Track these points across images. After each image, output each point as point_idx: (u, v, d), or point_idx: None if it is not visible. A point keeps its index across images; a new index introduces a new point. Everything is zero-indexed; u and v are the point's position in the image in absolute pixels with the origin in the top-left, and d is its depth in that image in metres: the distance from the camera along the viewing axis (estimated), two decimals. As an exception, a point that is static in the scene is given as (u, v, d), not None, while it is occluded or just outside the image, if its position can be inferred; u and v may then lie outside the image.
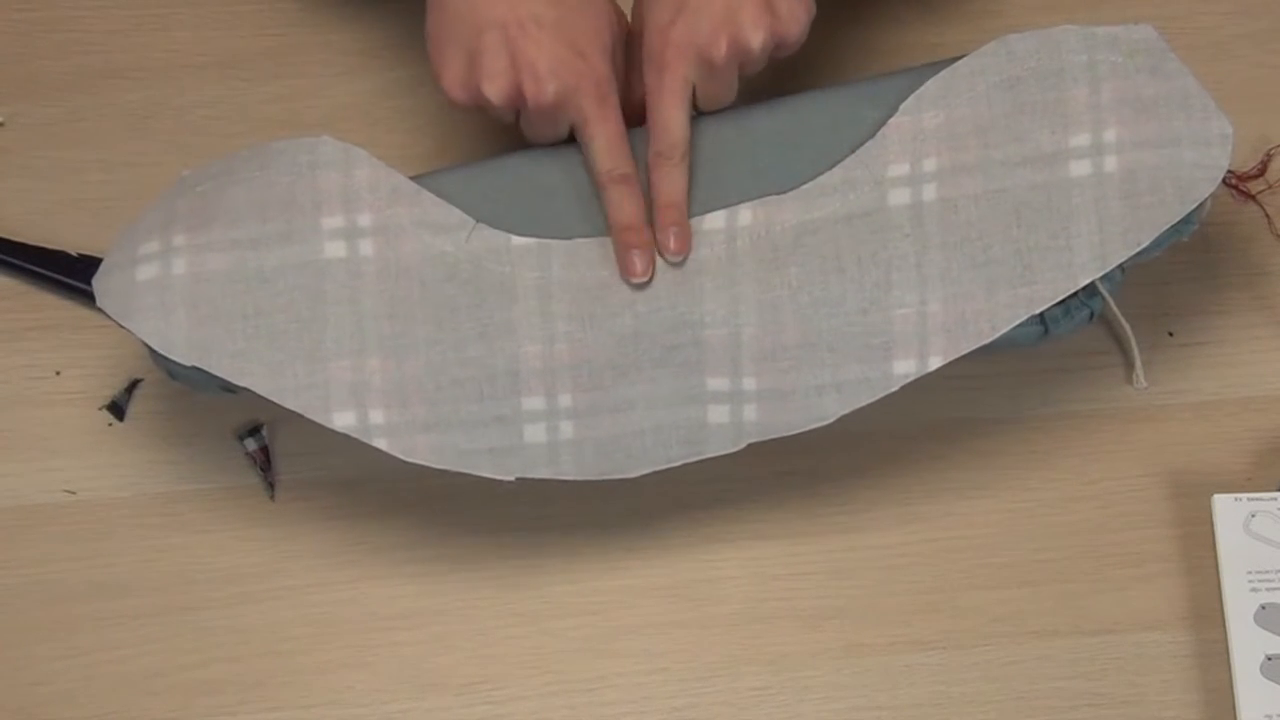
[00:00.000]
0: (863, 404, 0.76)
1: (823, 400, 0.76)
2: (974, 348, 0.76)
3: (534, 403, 0.76)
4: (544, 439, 0.76)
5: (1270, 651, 0.80)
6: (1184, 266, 0.89)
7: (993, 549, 0.84)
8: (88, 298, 0.87)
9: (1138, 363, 0.85)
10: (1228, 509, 0.83)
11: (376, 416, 0.75)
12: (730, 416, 0.77)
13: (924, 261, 0.76)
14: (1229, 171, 0.90)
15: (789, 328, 0.76)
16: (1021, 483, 0.85)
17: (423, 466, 0.76)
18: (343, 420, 0.75)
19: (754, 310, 0.76)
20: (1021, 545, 0.84)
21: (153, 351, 0.76)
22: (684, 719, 0.81)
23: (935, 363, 0.76)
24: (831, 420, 0.76)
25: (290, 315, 0.75)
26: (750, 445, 0.77)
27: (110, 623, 0.82)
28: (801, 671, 0.82)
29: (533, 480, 0.83)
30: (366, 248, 0.76)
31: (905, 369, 0.76)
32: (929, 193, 0.77)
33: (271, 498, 0.84)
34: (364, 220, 0.76)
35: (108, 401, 0.86)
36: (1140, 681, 0.81)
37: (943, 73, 0.78)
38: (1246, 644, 0.80)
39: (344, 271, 0.76)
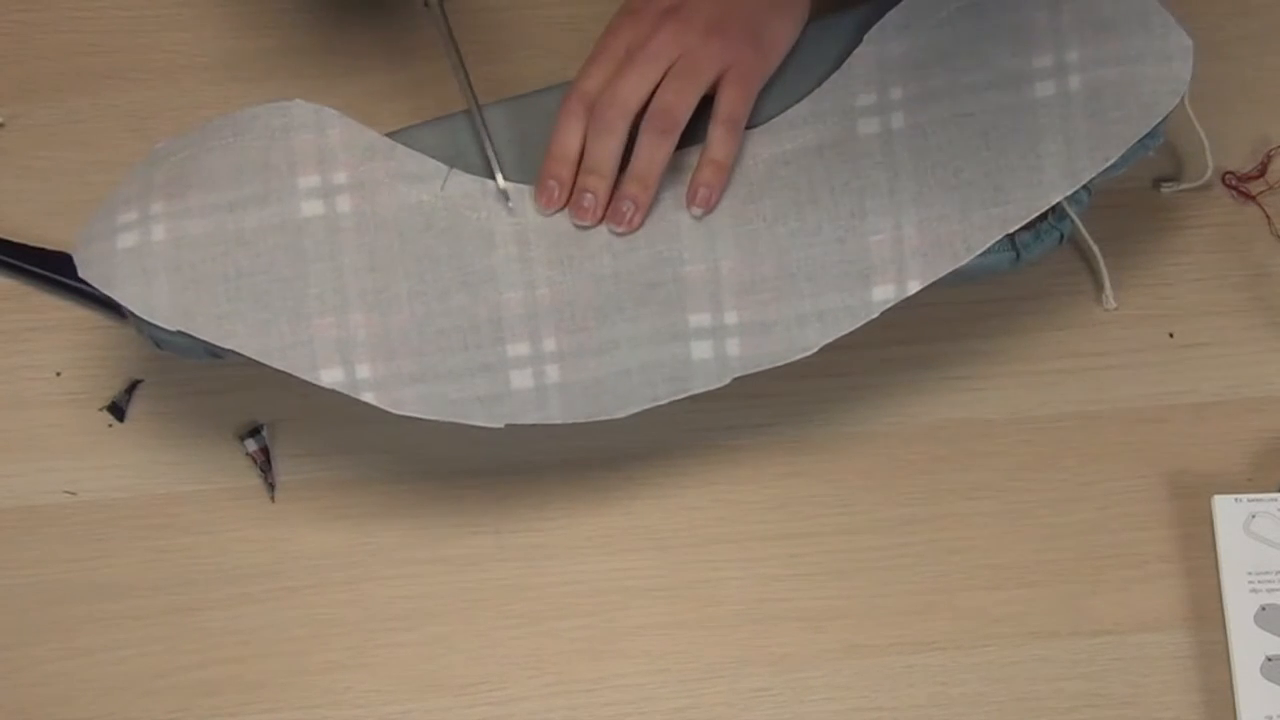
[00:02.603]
0: (844, 332, 0.77)
1: (805, 330, 0.77)
2: (950, 269, 0.77)
3: (519, 349, 0.76)
4: (531, 384, 0.76)
5: (1270, 652, 0.80)
6: (1184, 267, 0.89)
7: (993, 549, 0.84)
8: (88, 298, 0.87)
9: (1106, 283, 0.86)
10: (1228, 510, 0.83)
11: (363, 371, 0.75)
12: (714, 351, 0.77)
13: (897, 187, 0.77)
14: (1229, 172, 0.90)
15: (767, 260, 0.77)
16: (1021, 483, 0.85)
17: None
18: (330, 377, 0.75)
19: (731, 244, 0.77)
20: (1021, 545, 0.84)
21: (137, 319, 0.76)
22: (684, 719, 0.81)
23: (914, 286, 0.77)
24: (814, 350, 0.77)
25: (272, 275, 0.75)
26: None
27: (110, 623, 0.82)
28: (802, 672, 0.82)
29: (532, 479, 0.83)
30: (344, 204, 0.76)
31: (884, 295, 0.77)
32: (897, 120, 0.78)
33: (271, 498, 0.84)
34: (339, 177, 0.76)
35: (108, 402, 0.86)
36: (1140, 682, 0.81)
37: (904, 2, 0.79)
38: (1246, 645, 0.80)
39: (322, 228, 0.76)
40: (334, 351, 0.75)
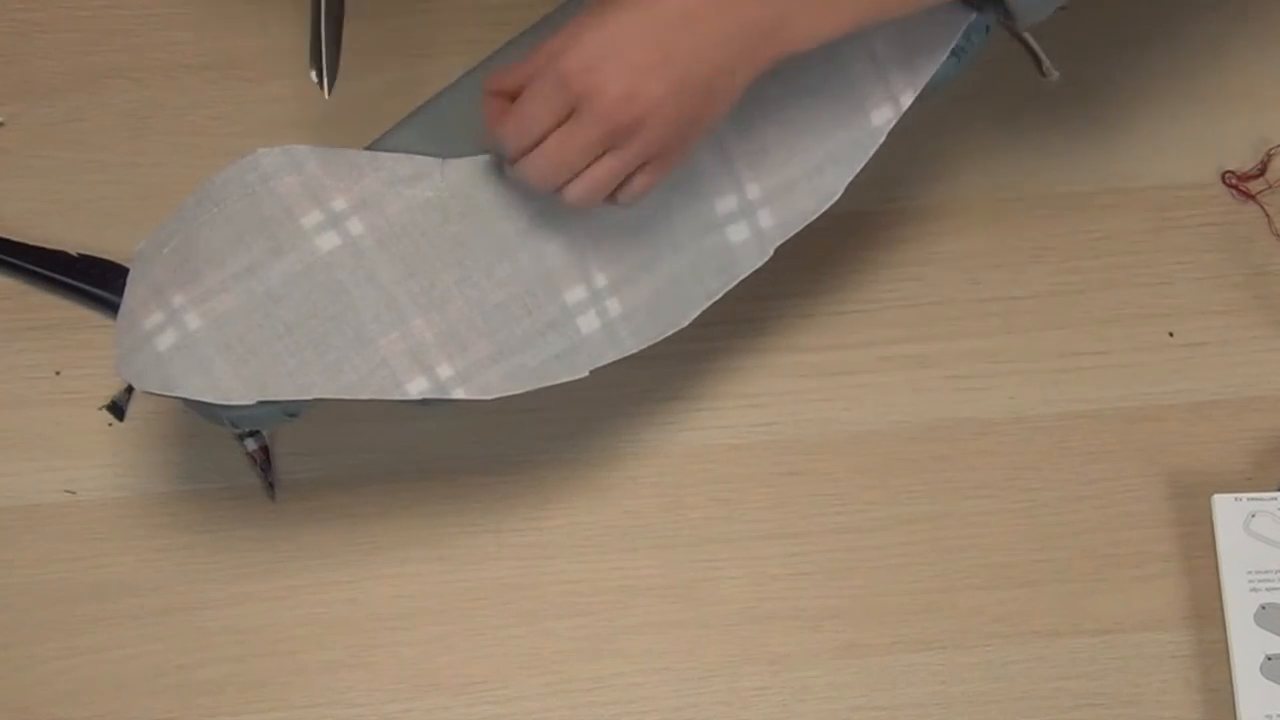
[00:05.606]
0: (861, 164, 0.77)
1: (824, 177, 0.77)
2: (931, 67, 0.76)
3: (576, 294, 0.76)
4: (598, 324, 0.77)
5: (1270, 651, 0.80)
6: (1184, 267, 0.89)
7: (993, 549, 0.84)
8: (88, 298, 0.87)
9: (1041, 55, 0.83)
10: (1228, 509, 0.83)
11: (444, 370, 0.75)
12: (749, 229, 0.77)
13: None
14: (1229, 172, 0.90)
15: (766, 124, 0.77)
16: (1021, 483, 0.85)
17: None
18: (416, 387, 0.75)
19: (729, 120, 0.75)
20: (1021, 545, 0.84)
21: (206, 409, 0.75)
22: (683, 719, 0.81)
23: (907, 99, 0.77)
24: (841, 193, 0.77)
25: (321, 317, 0.75)
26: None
27: (110, 623, 0.82)
28: (801, 671, 0.82)
29: (532, 479, 0.83)
30: (356, 227, 0.76)
31: (883, 117, 0.77)
32: None
33: (272, 498, 0.84)
34: (339, 204, 0.76)
35: (108, 401, 0.86)
36: (1140, 681, 0.81)
37: None
38: (1246, 644, 0.80)
39: (348, 256, 0.76)
40: (410, 362, 0.75)
